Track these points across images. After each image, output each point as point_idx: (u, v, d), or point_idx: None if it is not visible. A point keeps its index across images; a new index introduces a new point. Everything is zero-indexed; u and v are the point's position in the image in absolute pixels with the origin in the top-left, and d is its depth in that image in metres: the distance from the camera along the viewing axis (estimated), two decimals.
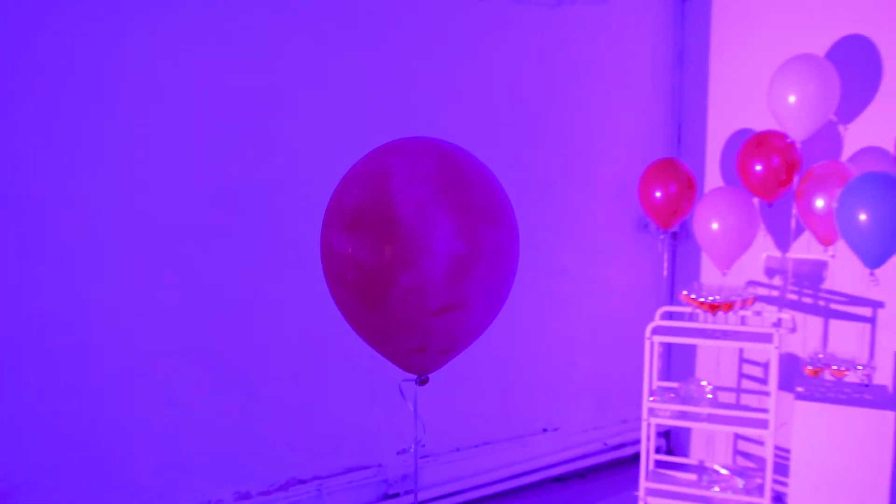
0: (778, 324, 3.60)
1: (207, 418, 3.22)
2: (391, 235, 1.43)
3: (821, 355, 3.17)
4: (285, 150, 3.30)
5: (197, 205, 3.10)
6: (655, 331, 3.50)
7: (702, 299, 3.50)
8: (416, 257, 1.43)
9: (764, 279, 4.13)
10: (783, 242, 3.98)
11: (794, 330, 3.34)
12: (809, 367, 3.12)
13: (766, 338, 3.34)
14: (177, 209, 3.06)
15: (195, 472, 3.20)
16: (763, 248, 4.04)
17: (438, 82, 3.67)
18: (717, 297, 3.46)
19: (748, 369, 4.26)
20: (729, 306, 3.44)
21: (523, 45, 3.93)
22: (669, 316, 4.14)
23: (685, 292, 3.60)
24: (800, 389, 3.19)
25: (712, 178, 4.37)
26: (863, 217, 3.04)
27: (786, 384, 3.82)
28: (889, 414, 2.90)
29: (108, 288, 2.94)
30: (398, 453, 2.04)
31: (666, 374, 4.68)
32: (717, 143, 4.36)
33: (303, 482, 3.51)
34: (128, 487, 3.03)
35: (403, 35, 3.56)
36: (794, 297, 4.01)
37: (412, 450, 1.86)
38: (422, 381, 1.70)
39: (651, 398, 3.53)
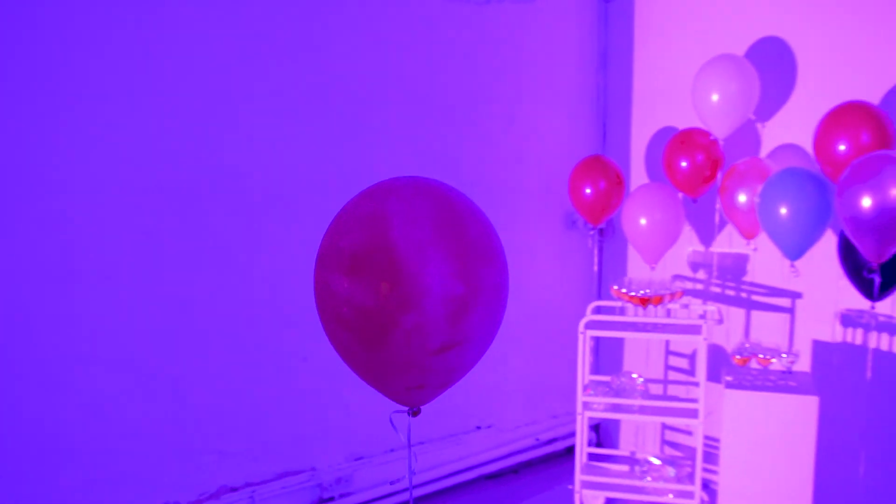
0: (705, 316, 3.71)
1: (135, 426, 3.08)
2: (393, 278, 1.47)
3: (747, 345, 3.27)
4: (207, 148, 3.19)
5: (119, 207, 2.96)
6: (588, 325, 3.55)
7: (632, 293, 3.57)
8: (417, 299, 1.47)
9: (689, 273, 4.25)
10: (707, 237, 4.10)
11: (720, 321, 3.44)
12: (738, 357, 3.22)
13: (696, 329, 3.43)
14: (97, 211, 2.92)
15: (122, 483, 3.05)
16: (688, 243, 4.15)
17: (363, 79, 3.63)
18: (648, 291, 3.53)
19: (675, 361, 4.37)
20: (659, 300, 3.52)
21: (451, 43, 3.92)
22: (600, 311, 4.20)
23: (616, 287, 3.66)
24: (728, 378, 3.28)
25: (637, 174, 4.47)
26: (783, 211, 3.15)
27: (711, 374, 3.93)
28: (812, 399, 3.01)
29: (30, 293, 2.77)
30: (391, 483, 2.03)
31: (595, 368, 4.76)
32: (641, 141, 4.46)
33: (234, 489, 3.40)
34: (51, 500, 2.86)
35: (328, 33, 3.50)
36: (717, 289, 4.14)
37: (404, 479, 1.89)
38: (414, 413, 1.73)
39: (587, 392, 3.57)
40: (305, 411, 3.58)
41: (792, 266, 3.33)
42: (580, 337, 3.54)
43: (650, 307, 3.56)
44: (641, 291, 3.52)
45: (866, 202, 2.75)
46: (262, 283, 3.38)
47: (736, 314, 4.04)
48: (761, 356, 3.18)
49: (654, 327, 3.53)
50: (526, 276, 4.35)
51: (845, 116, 3.11)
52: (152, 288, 3.07)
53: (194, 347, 3.21)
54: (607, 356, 4.70)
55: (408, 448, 1.82)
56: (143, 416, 3.10)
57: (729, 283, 4.09)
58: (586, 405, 3.60)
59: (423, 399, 1.70)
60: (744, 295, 4.03)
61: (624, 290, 3.62)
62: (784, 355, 3.17)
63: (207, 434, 3.29)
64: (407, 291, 1.47)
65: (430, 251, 1.48)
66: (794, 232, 3.19)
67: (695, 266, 4.21)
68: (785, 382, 3.21)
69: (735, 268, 4.04)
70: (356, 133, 3.61)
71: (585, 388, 3.63)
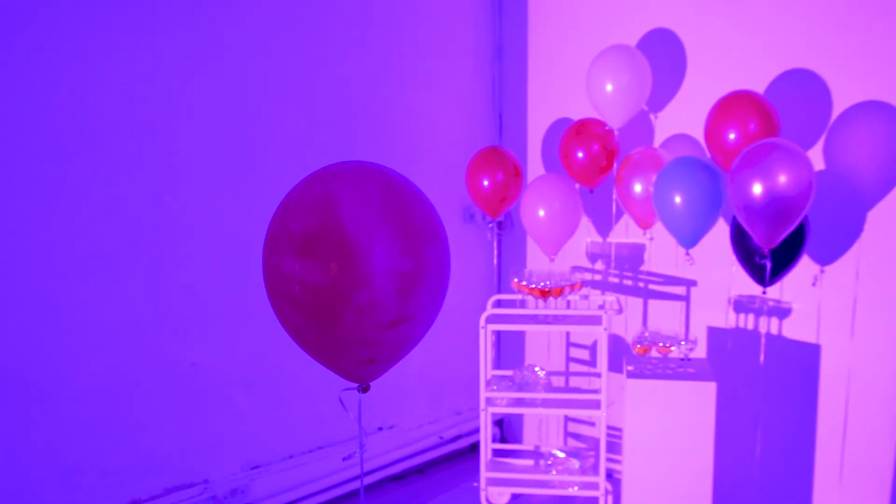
0: (604, 307, 3.71)
1: (2, 446, 2.80)
2: (345, 258, 1.54)
3: (647, 334, 3.29)
4: (86, 144, 2.95)
5: None
6: (489, 319, 3.49)
7: (533, 286, 3.53)
8: (369, 277, 1.55)
9: (588, 264, 4.25)
10: (605, 227, 4.11)
11: (620, 311, 3.44)
12: (638, 346, 3.23)
13: (596, 320, 3.42)
14: None
15: None
16: (586, 234, 4.16)
17: (251, 68, 3.44)
18: (548, 284, 3.50)
19: (576, 353, 4.37)
20: (559, 291, 3.49)
21: (341, 31, 3.78)
22: (500, 304, 4.16)
23: (516, 280, 3.62)
24: (630, 368, 3.29)
25: (534, 166, 4.45)
26: (677, 199, 3.17)
27: (612, 364, 3.95)
28: (710, 385, 3.05)
29: None
30: (344, 459, 2.09)
31: (497, 362, 4.72)
32: (537, 132, 4.44)
33: None
34: None
35: (216, 17, 3.29)
36: (615, 280, 4.17)
37: (356, 455, 1.98)
38: (364, 389, 1.79)
39: (490, 387, 3.51)
40: (195, 420, 3.37)
41: (687, 254, 3.36)
42: (481, 332, 3.48)
43: (550, 299, 3.54)
44: (542, 284, 3.49)
45: (757, 189, 2.78)
46: (143, 282, 3.15)
47: (634, 303, 4.07)
48: (661, 345, 3.20)
49: (555, 319, 3.50)
50: None
51: (733, 106, 3.16)
52: (17, 289, 2.80)
53: (66, 354, 2.96)
54: (509, 350, 4.67)
55: (359, 428, 1.89)
56: (8, 434, 2.83)
57: (627, 273, 4.12)
58: (489, 401, 3.54)
59: (374, 374, 1.77)
60: (641, 284, 4.06)
61: (524, 283, 3.58)
62: (682, 343, 3.20)
63: (84, 450, 3.04)
64: (359, 270, 1.53)
65: (378, 231, 1.56)
66: (688, 220, 3.22)
67: (593, 257, 4.22)
68: (684, 370, 3.24)
69: (632, 258, 4.07)
70: (237, 126, 3.42)
71: (488, 383, 3.57)
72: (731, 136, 3.11)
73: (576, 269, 4.26)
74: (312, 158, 3.34)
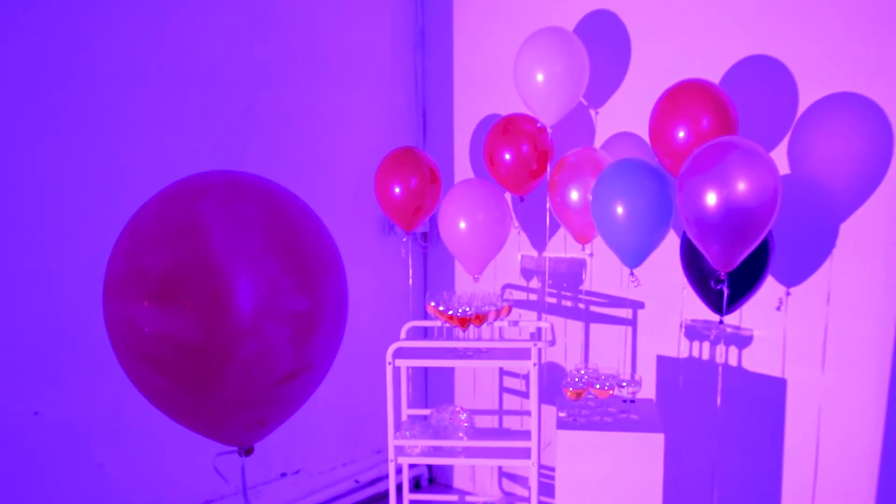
0: (537, 335, 3.18)
1: None
2: (222, 303, 1.20)
3: (582, 371, 2.75)
4: None
5: None
6: (398, 353, 2.92)
7: (450, 312, 2.97)
8: (254, 324, 1.23)
9: (522, 282, 3.71)
10: (539, 240, 3.57)
11: (553, 343, 2.90)
12: (570, 390, 2.68)
13: (524, 354, 2.87)
14: None
15: None
16: (519, 247, 3.61)
17: (121, 56, 2.82)
18: (468, 310, 2.94)
19: (510, 382, 3.83)
20: (481, 319, 2.94)
21: (232, 13, 3.17)
22: (422, 332, 3.59)
23: (433, 303, 3.06)
24: (562, 414, 2.75)
25: (462, 170, 3.90)
26: (619, 210, 2.65)
27: (548, 397, 3.42)
28: (657, 437, 2.51)
29: None
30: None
31: (423, 396, 4.15)
32: (465, 131, 3.88)
33: None
34: None
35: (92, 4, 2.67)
36: (553, 300, 3.63)
37: None
38: (247, 452, 1.52)
39: (400, 433, 2.94)
40: (38, 477, 2.75)
41: (631, 275, 2.83)
42: (388, 368, 2.91)
43: (472, 327, 2.98)
44: (461, 310, 2.93)
45: (710, 199, 2.26)
46: None
47: (574, 328, 3.54)
48: (598, 386, 2.66)
49: (476, 353, 2.95)
50: None
51: (682, 98, 2.63)
52: None
53: None
54: (437, 381, 4.10)
55: (244, 495, 1.66)
56: None
57: (565, 292, 3.58)
58: (400, 450, 2.97)
59: (262, 435, 1.49)
60: (582, 306, 3.53)
61: (441, 308, 3.01)
62: (624, 384, 2.66)
63: None
64: (241, 316, 1.21)
65: (263, 264, 1.25)
66: (632, 235, 2.70)
67: (528, 274, 3.68)
68: (626, 416, 2.70)
69: (572, 275, 3.54)
70: (112, 125, 2.80)
71: (400, 427, 3.00)
72: (681, 134, 2.58)
73: (508, 286, 3.71)
74: (183, 167, 2.77)
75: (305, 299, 1.34)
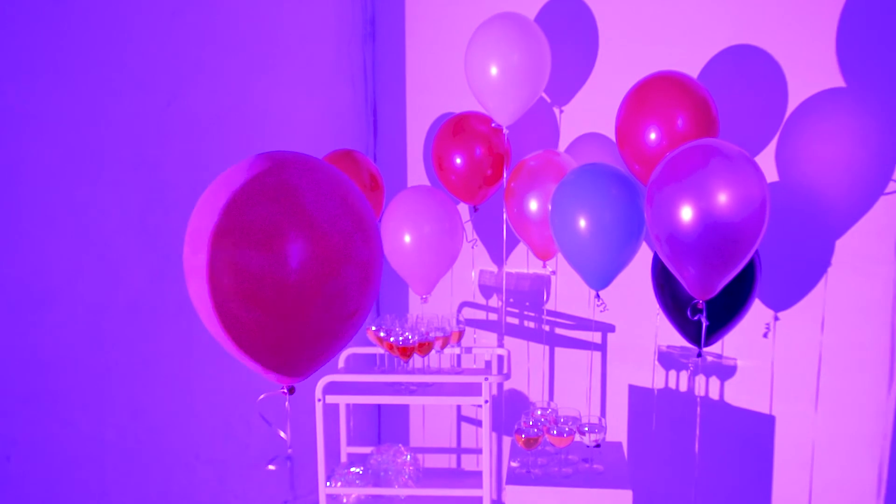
0: (492, 365, 2.79)
1: None
2: (317, 249, 1.48)
3: (539, 412, 2.36)
4: None
5: None
6: (329, 389, 2.52)
7: (392, 339, 2.58)
8: (339, 267, 1.51)
9: (480, 300, 3.33)
10: (499, 254, 3.18)
11: (507, 377, 2.51)
12: (522, 437, 2.29)
13: (474, 389, 2.49)
14: None
15: None
16: (473, 264, 3.23)
17: (18, 38, 2.39)
18: (411, 337, 2.55)
19: (469, 411, 3.44)
20: (426, 347, 2.55)
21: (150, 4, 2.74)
22: (368, 360, 3.19)
23: (373, 328, 2.67)
24: (514, 464, 2.37)
25: (416, 175, 3.50)
26: (582, 224, 2.27)
27: (510, 427, 3.04)
28: (624, 494, 2.13)
29: None
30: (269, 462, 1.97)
31: (374, 430, 3.74)
32: (419, 132, 3.49)
33: None
34: None
35: None
36: (514, 320, 3.25)
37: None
38: (291, 391, 1.73)
39: (332, 479, 2.55)
40: None
41: (597, 298, 2.46)
42: (317, 406, 2.51)
43: (416, 356, 2.59)
44: (401, 337, 2.54)
45: (685, 213, 1.88)
46: None
47: (538, 351, 3.16)
48: (555, 432, 2.27)
49: (420, 388, 2.56)
50: None
51: (654, 94, 2.26)
52: None
53: None
54: (389, 413, 3.69)
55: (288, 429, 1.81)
56: None
57: (528, 312, 3.20)
58: (334, 499, 2.58)
59: (316, 369, 1.71)
60: (546, 328, 3.15)
61: (382, 334, 2.62)
62: (586, 430, 2.27)
63: None
64: (330, 259, 1.49)
65: (341, 221, 1.52)
66: (597, 253, 2.33)
67: (487, 291, 3.30)
68: (590, 466, 2.32)
69: (534, 293, 3.16)
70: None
71: (332, 473, 2.61)
72: (652, 136, 2.21)
73: (466, 305, 3.33)
74: (87, 167, 2.37)
75: (367, 251, 1.58)
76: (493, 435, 3.27)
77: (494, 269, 3.24)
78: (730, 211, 1.85)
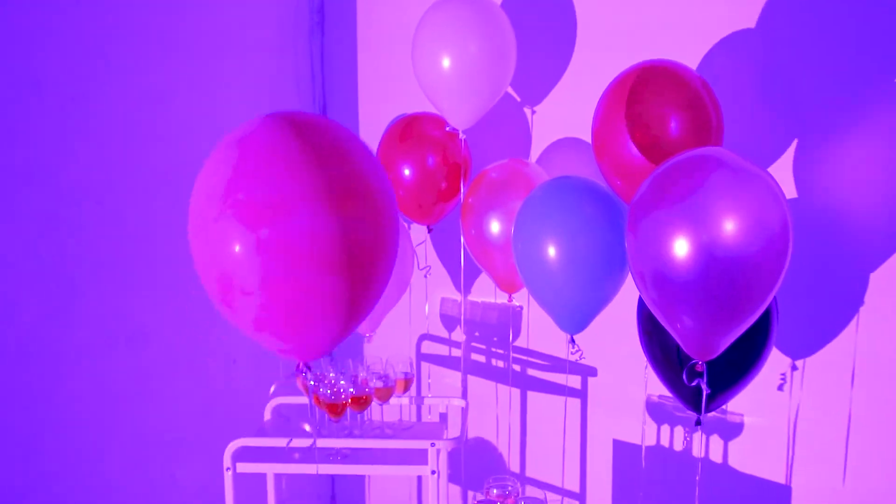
0: (443, 422, 2.32)
1: None
2: (386, 209, 1.47)
3: (495, 490, 1.88)
4: None
5: None
6: (239, 455, 2.04)
7: (322, 390, 2.10)
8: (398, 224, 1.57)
9: (443, 332, 2.84)
10: (464, 279, 2.68)
11: (462, 439, 2.03)
12: None
13: (418, 457, 2.01)
14: None
15: None
16: (427, 295, 2.74)
17: None
18: (345, 390, 2.07)
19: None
20: (364, 402, 2.07)
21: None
22: (301, 412, 2.69)
23: (305, 373, 2.17)
24: None
25: None
26: (551, 252, 1.79)
27: (478, 481, 2.56)
28: None
29: None
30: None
31: (327, 489, 3.24)
32: (373, 136, 2.99)
33: None
34: None
35: None
36: (480, 357, 2.76)
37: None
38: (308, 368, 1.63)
39: None
40: None
41: (572, 343, 1.97)
42: (226, 475, 2.03)
43: (359, 411, 2.12)
44: (329, 391, 2.05)
45: (680, 246, 1.39)
46: None
47: (507, 396, 2.68)
48: None
49: (354, 455, 2.07)
50: (198, 345, 2.74)
51: (641, 89, 1.77)
52: None
53: None
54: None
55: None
56: None
57: (496, 348, 2.72)
58: None
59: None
60: (517, 368, 2.67)
61: (312, 381, 2.14)
62: None
63: None
64: (395, 220, 1.51)
65: (387, 181, 1.54)
66: (570, 289, 1.84)
67: (449, 322, 2.81)
68: None
69: (503, 326, 2.67)
70: None
71: None
72: (637, 141, 1.72)
73: (426, 339, 2.85)
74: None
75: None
76: (458, 489, 2.78)
77: (458, 297, 2.76)
78: (738, 242, 1.37)
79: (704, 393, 1.54)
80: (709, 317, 1.41)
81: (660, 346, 1.70)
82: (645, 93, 1.72)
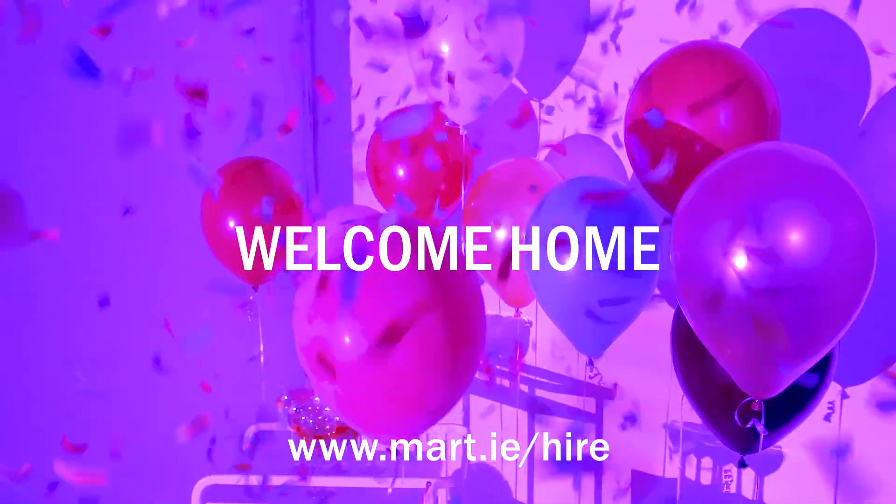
0: (435, 465, 2.07)
1: None
2: None
3: None
4: None
5: None
6: (209, 494, 1.77)
7: (303, 419, 1.84)
8: None
9: None
10: None
11: (459, 479, 1.77)
12: None
13: (413, 498, 1.75)
14: None
15: None
16: None
17: None
18: (331, 418, 1.81)
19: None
20: (344, 432, 1.81)
21: None
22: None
23: (285, 397, 1.94)
24: None
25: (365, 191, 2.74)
26: (567, 266, 1.54)
27: None
28: None
29: None
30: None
31: None
32: (368, 130, 2.73)
33: None
34: None
35: None
36: (483, 377, 2.50)
37: None
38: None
39: None
40: None
41: (590, 366, 1.72)
42: None
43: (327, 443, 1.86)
44: (311, 419, 1.80)
45: (740, 262, 1.14)
46: None
47: (512, 418, 2.42)
48: None
49: (339, 496, 1.81)
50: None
51: (683, 74, 1.51)
52: None
53: None
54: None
55: None
56: None
57: (501, 366, 2.46)
58: None
59: None
60: (524, 388, 2.41)
61: (293, 409, 1.90)
62: None
63: None
64: None
65: None
66: (587, 305, 1.58)
67: None
68: None
69: (510, 342, 2.42)
70: None
71: None
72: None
73: None
74: None
75: None
76: None
77: None
78: (811, 255, 1.11)
79: (762, 436, 1.28)
80: (774, 346, 1.15)
81: (700, 377, 1.44)
82: (686, 75, 1.46)
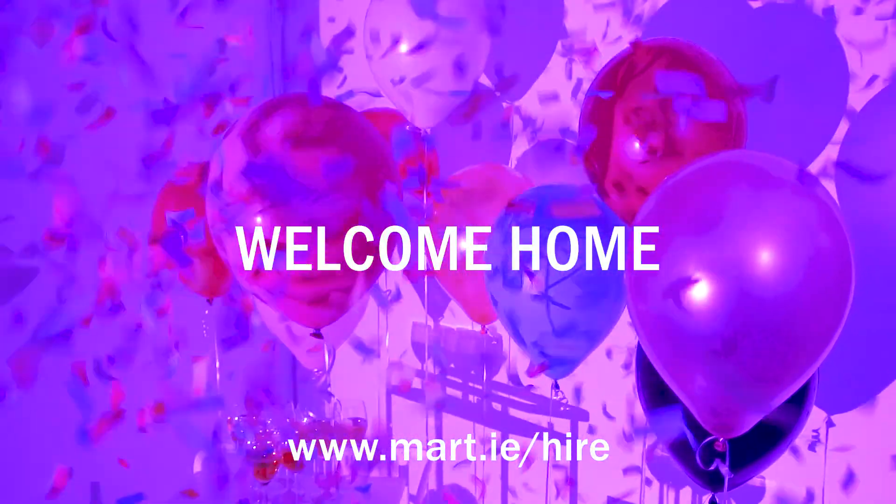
0: (403, 477, 1.94)
1: None
2: None
3: None
4: None
5: None
6: None
7: (248, 442, 1.72)
8: None
9: (415, 361, 2.47)
10: (434, 304, 2.30)
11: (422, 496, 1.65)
12: None
13: None
14: None
15: None
16: (410, 313, 2.37)
17: None
18: (278, 443, 1.69)
19: None
20: (288, 459, 1.70)
21: None
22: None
23: (237, 417, 1.83)
24: None
25: None
26: (526, 281, 1.42)
27: None
28: None
29: None
30: None
31: None
32: None
33: None
34: None
35: None
36: (456, 392, 2.38)
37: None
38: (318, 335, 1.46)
39: None
40: None
41: (556, 389, 1.60)
42: None
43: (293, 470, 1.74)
44: (256, 445, 1.68)
45: (699, 289, 1.01)
46: None
47: (485, 437, 2.29)
48: None
49: None
50: None
51: (639, 76, 1.38)
52: None
53: None
54: None
55: None
56: None
57: (474, 383, 2.34)
58: None
59: None
60: (497, 406, 2.29)
61: (241, 432, 1.78)
62: None
63: None
64: None
65: None
66: (549, 324, 1.46)
67: (422, 351, 2.43)
68: None
69: (482, 358, 2.29)
70: None
71: None
72: (636, 145, 1.33)
73: (394, 366, 2.47)
74: None
75: None
76: None
77: (430, 322, 2.38)
78: (779, 277, 0.99)
79: (726, 478, 1.15)
80: (737, 380, 1.02)
81: (669, 418, 1.31)
82: (644, 81, 1.33)
